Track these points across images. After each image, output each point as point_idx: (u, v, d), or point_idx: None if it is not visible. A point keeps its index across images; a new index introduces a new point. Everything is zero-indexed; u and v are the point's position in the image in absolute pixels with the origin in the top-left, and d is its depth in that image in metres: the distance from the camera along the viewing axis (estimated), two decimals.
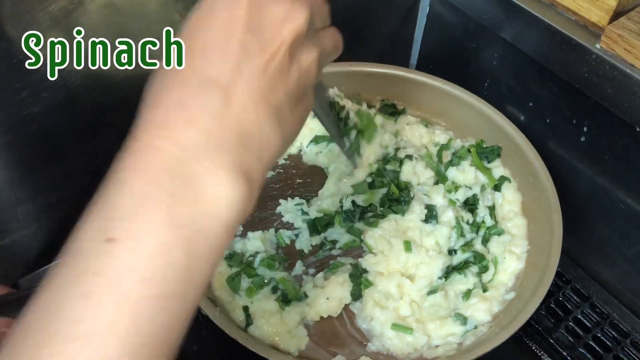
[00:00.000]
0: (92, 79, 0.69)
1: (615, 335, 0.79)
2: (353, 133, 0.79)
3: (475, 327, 0.70)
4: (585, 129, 0.79)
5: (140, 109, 0.38)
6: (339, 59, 0.85)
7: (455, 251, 0.77)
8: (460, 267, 0.75)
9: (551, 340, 0.79)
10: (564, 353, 0.78)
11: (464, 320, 0.71)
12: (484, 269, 0.75)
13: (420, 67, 1.06)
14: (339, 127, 0.77)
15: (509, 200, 0.81)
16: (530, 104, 0.87)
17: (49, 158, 0.74)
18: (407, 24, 1.01)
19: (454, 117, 0.87)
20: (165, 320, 0.34)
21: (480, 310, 0.71)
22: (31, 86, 0.65)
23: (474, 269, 0.75)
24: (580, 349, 0.78)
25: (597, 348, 0.78)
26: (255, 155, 0.38)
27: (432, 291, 0.73)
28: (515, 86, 0.88)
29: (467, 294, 0.73)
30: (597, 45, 0.70)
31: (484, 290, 0.73)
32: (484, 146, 0.85)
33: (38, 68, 0.64)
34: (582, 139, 0.80)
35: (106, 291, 0.32)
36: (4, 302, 0.56)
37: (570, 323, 0.80)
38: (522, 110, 0.89)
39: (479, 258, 0.75)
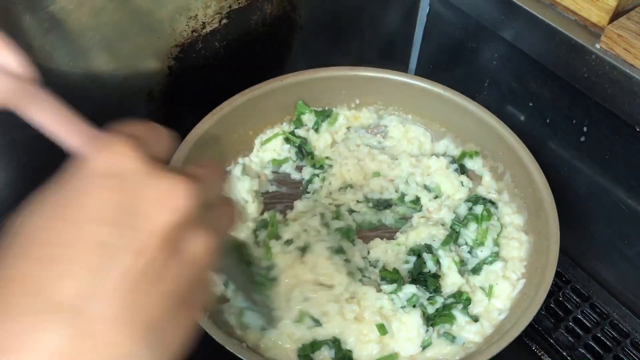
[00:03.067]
0: (91, 79, 0.69)
1: (615, 335, 0.80)
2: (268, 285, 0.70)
3: (464, 344, 0.69)
4: (585, 128, 0.79)
5: None
6: (340, 62, 0.86)
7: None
8: (444, 314, 0.70)
9: (551, 341, 0.79)
10: (564, 353, 0.78)
11: (452, 339, 0.69)
12: (468, 302, 0.71)
13: (420, 67, 1.06)
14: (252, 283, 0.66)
15: (505, 223, 0.79)
16: (530, 104, 0.87)
17: (49, 158, 0.74)
18: (407, 23, 1.01)
19: (454, 124, 0.87)
20: None
21: (471, 332, 0.69)
22: None
23: (459, 306, 0.71)
24: (580, 349, 0.78)
25: (597, 348, 0.78)
26: None
27: (426, 346, 0.68)
28: (515, 86, 0.88)
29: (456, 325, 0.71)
30: (597, 45, 0.70)
31: (475, 320, 0.70)
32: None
33: (38, 68, 0.65)
34: (582, 138, 0.80)
35: None
36: None
37: (570, 323, 0.80)
38: (522, 110, 0.88)
39: (457, 295, 0.72)
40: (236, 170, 0.82)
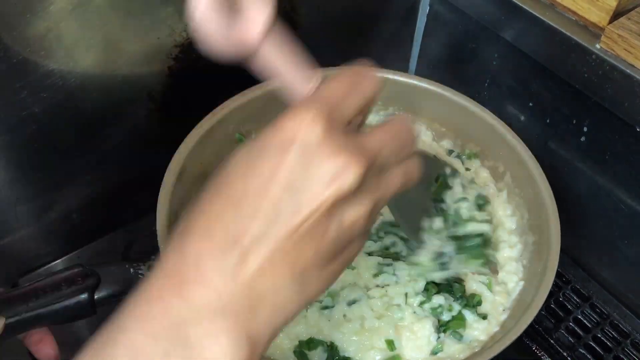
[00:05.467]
0: (91, 79, 0.69)
1: (616, 335, 0.79)
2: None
3: (470, 342, 0.68)
4: (585, 129, 0.79)
5: (167, 246, 0.38)
6: (340, 62, 0.86)
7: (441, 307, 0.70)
8: (457, 318, 0.69)
9: (551, 341, 0.79)
10: (564, 353, 0.78)
11: (460, 337, 0.68)
12: (479, 303, 0.70)
13: (420, 67, 1.06)
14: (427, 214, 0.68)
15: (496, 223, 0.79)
16: (531, 104, 0.87)
17: (49, 158, 0.74)
18: (407, 24, 1.01)
19: (454, 124, 0.86)
20: None
21: (478, 330, 0.68)
22: (31, 86, 0.65)
23: (469, 307, 0.70)
24: (581, 349, 0.78)
25: (597, 348, 0.78)
26: (266, 320, 0.37)
27: (435, 352, 0.67)
28: (516, 86, 0.88)
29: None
30: (597, 46, 0.70)
31: (484, 318, 0.69)
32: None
33: (38, 68, 0.65)
34: (583, 139, 0.80)
35: None
36: None
37: (571, 323, 0.80)
38: (522, 110, 0.88)
39: (470, 298, 0.70)
40: None
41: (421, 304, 0.69)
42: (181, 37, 0.75)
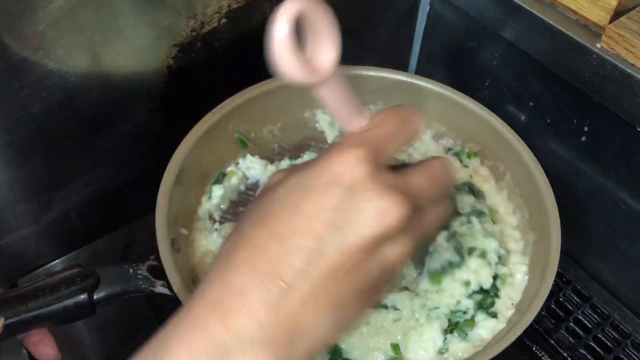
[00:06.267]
0: (91, 79, 0.69)
1: (616, 336, 0.79)
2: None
3: (474, 341, 0.67)
4: (586, 128, 0.79)
5: (210, 271, 0.40)
6: (340, 62, 0.86)
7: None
8: (467, 319, 0.67)
9: (551, 341, 0.79)
10: (565, 354, 0.77)
11: (465, 335, 0.67)
12: (492, 305, 0.68)
13: (420, 66, 1.06)
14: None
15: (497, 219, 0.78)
16: (531, 104, 0.86)
17: (49, 158, 0.74)
18: (407, 23, 1.01)
19: (454, 123, 0.86)
20: None
21: (485, 328, 0.67)
22: (31, 86, 0.65)
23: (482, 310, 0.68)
24: (581, 350, 0.78)
25: (597, 349, 0.78)
26: (303, 351, 0.38)
27: (440, 352, 0.66)
28: (516, 86, 0.88)
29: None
30: (598, 45, 0.70)
31: (493, 316, 0.68)
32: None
33: (37, 68, 0.65)
34: (583, 138, 0.80)
35: None
36: None
37: (571, 324, 0.80)
38: (522, 110, 0.88)
39: (483, 301, 0.68)
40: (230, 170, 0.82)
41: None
42: (181, 37, 0.75)
